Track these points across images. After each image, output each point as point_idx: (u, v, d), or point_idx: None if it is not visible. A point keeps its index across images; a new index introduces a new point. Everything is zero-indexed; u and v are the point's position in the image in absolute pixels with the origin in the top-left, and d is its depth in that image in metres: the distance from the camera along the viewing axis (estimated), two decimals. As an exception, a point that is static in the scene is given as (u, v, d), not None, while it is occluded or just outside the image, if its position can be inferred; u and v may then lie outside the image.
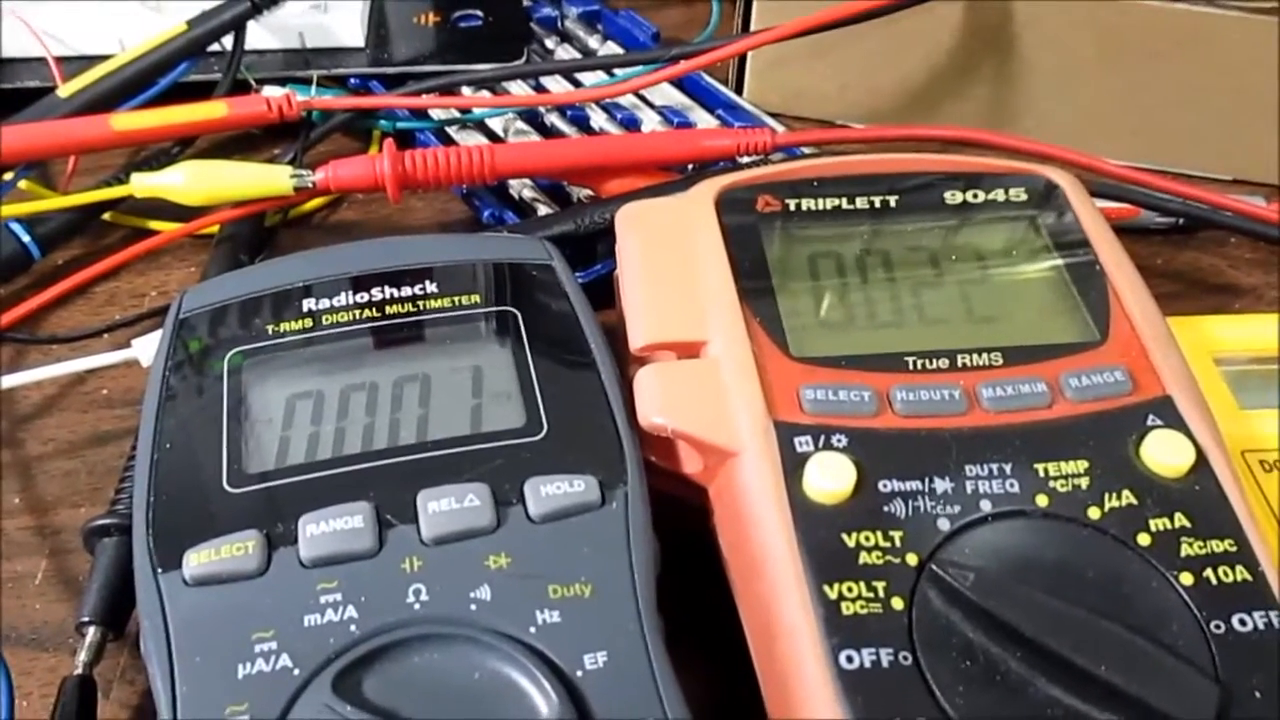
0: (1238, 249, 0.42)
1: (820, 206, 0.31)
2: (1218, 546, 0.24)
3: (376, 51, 0.47)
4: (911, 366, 0.27)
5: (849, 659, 0.23)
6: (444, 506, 0.25)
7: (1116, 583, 0.24)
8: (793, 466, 0.25)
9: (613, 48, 0.48)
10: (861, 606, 0.23)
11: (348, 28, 0.46)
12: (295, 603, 0.24)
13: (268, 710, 0.23)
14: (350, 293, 0.30)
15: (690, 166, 0.41)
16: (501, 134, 0.44)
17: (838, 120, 0.47)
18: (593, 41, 0.48)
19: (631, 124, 0.44)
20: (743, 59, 0.46)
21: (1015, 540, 0.25)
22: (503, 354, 0.29)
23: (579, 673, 0.23)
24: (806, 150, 0.42)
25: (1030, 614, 0.23)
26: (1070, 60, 0.43)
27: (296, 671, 0.23)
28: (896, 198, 0.32)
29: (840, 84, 0.46)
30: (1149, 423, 0.26)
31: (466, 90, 0.45)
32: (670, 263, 0.30)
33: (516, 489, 0.26)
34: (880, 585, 0.24)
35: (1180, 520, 0.25)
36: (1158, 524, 0.25)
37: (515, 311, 0.30)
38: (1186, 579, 0.24)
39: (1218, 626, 0.23)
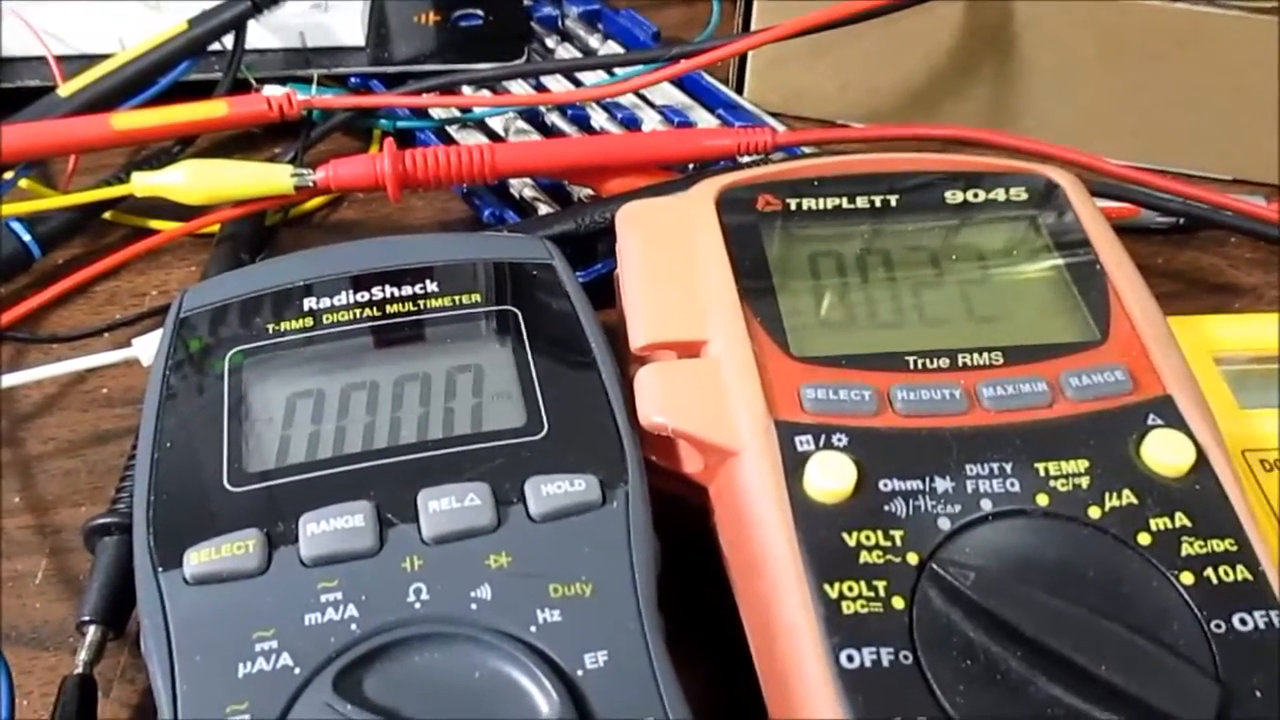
0: (1238, 249, 0.42)
1: (821, 206, 0.31)
2: (1218, 546, 0.24)
3: (377, 51, 0.47)
4: (912, 366, 0.27)
5: (849, 658, 0.23)
6: (444, 506, 0.25)
7: (1117, 582, 0.24)
8: (793, 466, 0.25)
9: (613, 47, 0.48)
10: (862, 606, 0.23)
11: (348, 27, 0.46)
12: (296, 602, 0.24)
13: (268, 709, 0.23)
14: (351, 292, 0.30)
15: (691, 166, 0.41)
16: (502, 133, 0.44)
17: (838, 120, 0.47)
18: (593, 41, 0.48)
19: (632, 123, 0.44)
20: (743, 58, 0.46)
21: (1016, 540, 0.25)
22: (503, 353, 0.29)
23: (579, 672, 0.23)
24: (807, 150, 0.42)
25: (1031, 613, 0.23)
26: (1071, 60, 0.43)
27: (297, 670, 0.23)
28: (897, 197, 0.32)
29: (840, 83, 0.46)
30: (1149, 422, 0.26)
31: (467, 89, 0.45)
32: (671, 262, 0.30)
33: (517, 488, 0.26)
34: (881, 584, 0.24)
35: (1181, 520, 0.25)
36: (1158, 523, 0.25)
37: (516, 311, 0.30)
38: (1187, 578, 0.24)
39: (1218, 626, 0.23)
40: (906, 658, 0.23)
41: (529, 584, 0.24)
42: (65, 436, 0.35)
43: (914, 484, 0.25)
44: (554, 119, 0.44)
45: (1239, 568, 0.24)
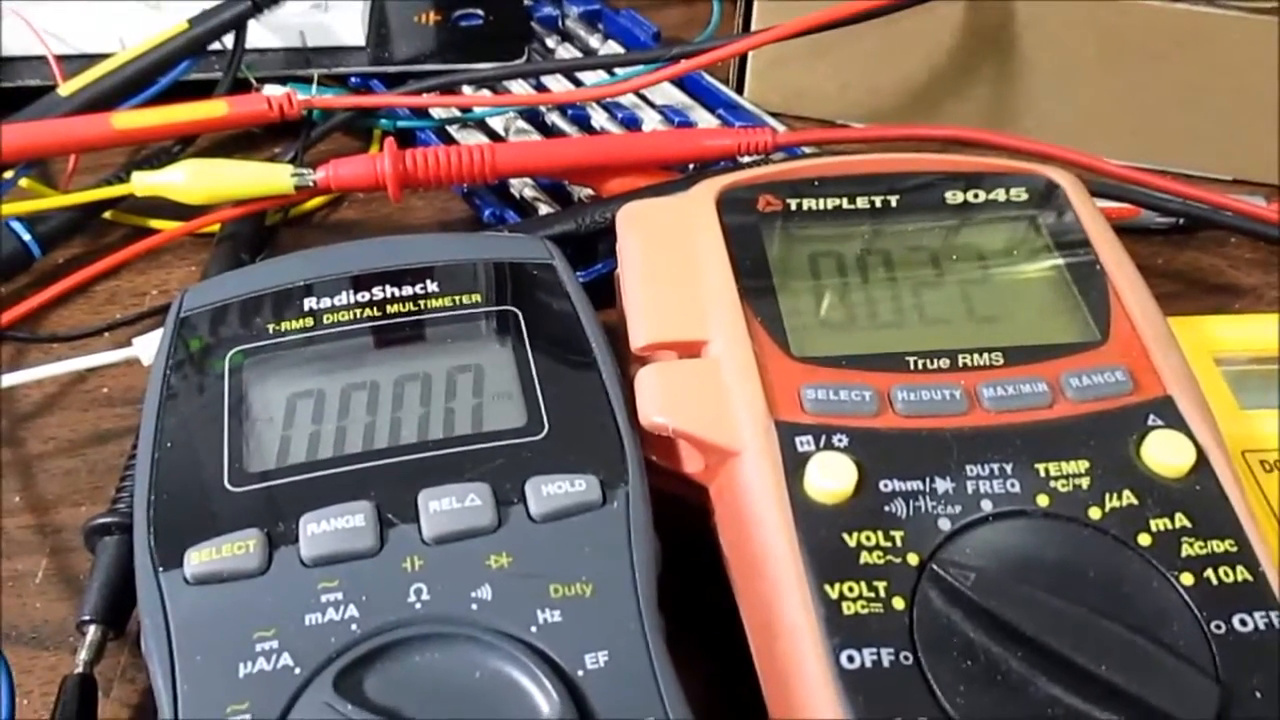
0: (1238, 249, 0.42)
1: (821, 206, 0.31)
2: (1218, 547, 0.24)
3: (377, 50, 0.47)
4: (912, 366, 0.27)
5: (850, 659, 0.23)
6: (445, 506, 0.25)
7: (1117, 582, 0.24)
8: (794, 466, 0.25)
9: (613, 47, 0.48)
10: (862, 606, 0.23)
11: (348, 27, 0.46)
12: (296, 602, 0.24)
13: (269, 709, 0.23)
14: (351, 292, 0.30)
15: (691, 166, 0.41)
16: (502, 133, 0.44)
17: (838, 120, 0.47)
18: (593, 41, 0.48)
19: (632, 123, 0.44)
20: (743, 58, 0.46)
21: (1016, 540, 0.25)
22: (504, 353, 0.29)
23: (580, 672, 0.23)
24: (807, 150, 0.42)
25: (1031, 614, 0.23)
26: (1071, 60, 0.43)
27: (298, 670, 0.23)
28: (897, 197, 0.32)
29: (841, 83, 0.46)
30: (1150, 423, 0.26)
31: (467, 89, 0.45)
32: (671, 262, 0.30)
33: (517, 488, 0.26)
34: (881, 585, 0.24)
35: (1181, 520, 0.25)
36: (1158, 524, 0.25)
37: (516, 311, 0.30)
38: (1187, 579, 0.24)
39: (1218, 626, 0.23)
40: (907, 658, 0.23)
41: (529, 584, 0.24)
42: (65, 436, 0.35)
43: (914, 484, 0.25)
44: (554, 119, 0.44)
45: (1239, 568, 0.24)
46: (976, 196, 0.32)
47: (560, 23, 0.49)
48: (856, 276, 0.30)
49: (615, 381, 0.28)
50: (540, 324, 0.30)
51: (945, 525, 0.25)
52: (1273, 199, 0.40)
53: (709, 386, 0.27)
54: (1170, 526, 0.25)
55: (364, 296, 0.30)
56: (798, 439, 0.26)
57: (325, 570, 0.25)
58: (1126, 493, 0.25)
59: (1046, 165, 0.33)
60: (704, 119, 0.45)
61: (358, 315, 0.30)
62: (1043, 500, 0.25)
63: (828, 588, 0.24)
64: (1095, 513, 0.25)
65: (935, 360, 0.27)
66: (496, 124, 0.44)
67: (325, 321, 0.30)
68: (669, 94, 0.45)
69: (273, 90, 0.40)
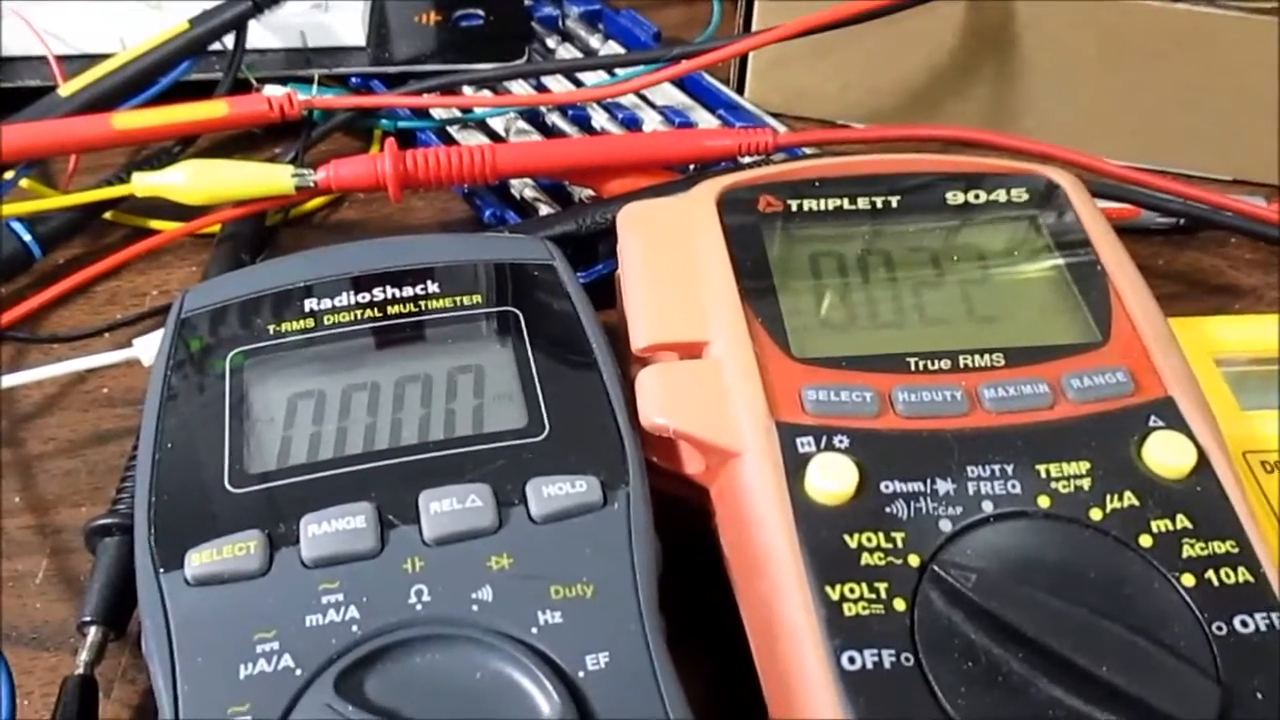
0: (1238, 249, 0.42)
1: (822, 207, 0.31)
2: (1219, 548, 0.24)
3: (378, 51, 0.47)
4: (913, 367, 0.27)
5: (851, 660, 0.23)
6: (446, 507, 0.25)
7: (1118, 584, 0.24)
8: (794, 467, 0.25)
9: (614, 47, 0.48)
10: (863, 607, 0.23)
11: (349, 27, 0.46)
12: (297, 603, 0.24)
13: (270, 710, 0.23)
14: (352, 293, 0.30)
15: (692, 167, 0.41)
16: (503, 133, 0.44)
17: (839, 120, 0.47)
18: (594, 41, 0.48)
19: (633, 124, 0.44)
20: (744, 59, 0.46)
21: (1017, 541, 0.25)
22: (504, 354, 0.29)
23: (581, 673, 0.23)
24: (808, 150, 0.42)
25: (1032, 615, 0.23)
26: (1071, 60, 0.43)
27: (298, 672, 0.23)
28: (898, 198, 0.32)
29: (841, 84, 0.46)
30: (1150, 424, 0.26)
31: (468, 90, 0.45)
32: (672, 263, 0.30)
33: (518, 489, 0.26)
34: (882, 586, 0.24)
35: (1182, 521, 0.25)
36: (1159, 525, 0.25)
37: (517, 312, 0.30)
38: (1188, 580, 0.24)
39: (1219, 628, 0.23)
40: (908, 659, 0.23)
41: (530, 585, 0.24)
42: (66, 437, 0.35)
43: (915, 486, 0.25)
44: (555, 119, 0.44)
45: (1240, 569, 0.24)
46: (977, 197, 0.32)
47: (561, 23, 0.49)
48: (857, 277, 0.30)
49: (616, 382, 0.28)
50: (541, 325, 0.30)
51: (946, 526, 0.25)
52: (1273, 199, 0.40)
53: (710, 387, 0.27)
54: (1171, 527, 0.25)
55: (365, 297, 0.30)
56: (798, 440, 0.26)
57: (326, 571, 0.25)
58: (1127, 494, 0.25)
59: (1047, 166, 0.33)
60: (705, 119, 0.45)
61: (358, 316, 0.30)
62: (1044, 501, 0.25)
63: (829, 589, 0.24)
64: (1096, 514, 0.25)
65: (936, 361, 0.27)
66: (497, 124, 0.44)
67: (326, 322, 0.30)
68: (669, 94, 0.45)
69: (273, 90, 0.40)
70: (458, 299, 0.30)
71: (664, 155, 0.40)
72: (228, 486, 0.26)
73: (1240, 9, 0.40)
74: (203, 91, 0.41)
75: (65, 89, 0.40)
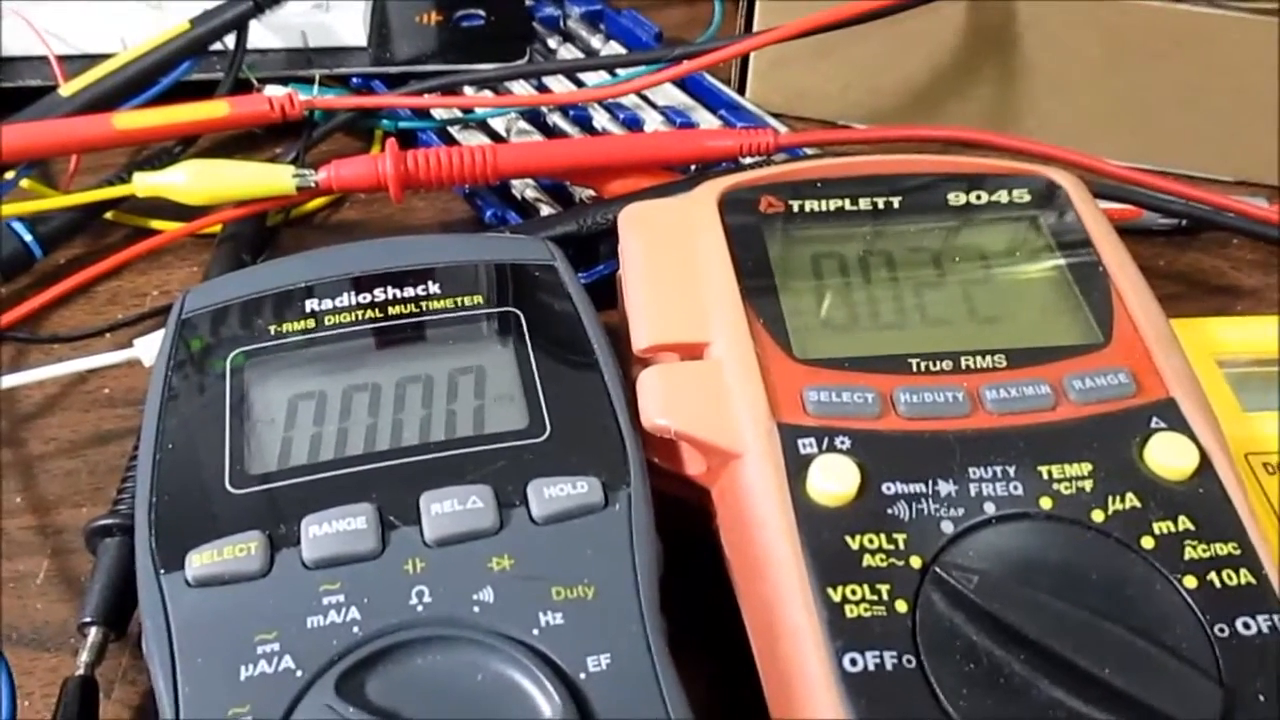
0: (1240, 250, 0.42)
1: (823, 208, 0.31)
2: (1221, 550, 0.24)
3: (379, 51, 0.47)
4: (915, 368, 0.27)
5: (853, 662, 0.23)
6: (447, 508, 0.25)
7: (1120, 585, 0.24)
8: (796, 468, 0.25)
9: (615, 47, 0.48)
10: (865, 609, 0.23)
11: (350, 27, 0.46)
12: (298, 604, 0.24)
13: (270, 711, 0.23)
14: (352, 293, 0.30)
15: (693, 167, 0.41)
16: (504, 134, 0.44)
17: (840, 121, 0.47)
18: (595, 41, 0.48)
19: (634, 124, 0.44)
20: (745, 59, 0.46)
21: (1019, 543, 0.25)
22: (505, 355, 0.29)
23: (582, 675, 0.23)
24: (809, 151, 0.42)
25: (1034, 616, 0.23)
26: (1072, 61, 0.43)
27: (299, 673, 0.23)
28: (899, 199, 0.32)
29: (843, 84, 0.46)
30: (1152, 425, 0.26)
31: (469, 90, 0.45)
32: (673, 264, 0.30)
33: (519, 490, 0.26)
34: (884, 588, 0.24)
35: (1184, 523, 0.25)
36: (1161, 527, 0.25)
37: (518, 312, 0.30)
38: (1190, 582, 0.24)
39: (1221, 630, 0.23)
40: (910, 661, 0.23)
41: (531, 586, 0.24)
42: (66, 437, 0.35)
43: (917, 487, 0.25)
44: (556, 120, 0.44)
45: (1242, 571, 0.24)
46: (979, 198, 0.32)
47: (562, 23, 0.49)
48: (859, 278, 0.30)
49: (617, 383, 0.28)
50: (542, 325, 0.30)
51: (948, 528, 0.25)
52: (1274, 200, 0.40)
53: (711, 388, 0.27)
54: (1173, 529, 0.25)
55: (365, 298, 0.30)
56: (800, 441, 0.26)
57: (327, 572, 0.25)
58: (1129, 495, 0.25)
59: (1048, 166, 0.33)
60: (706, 120, 0.44)
61: (359, 316, 0.30)
62: (1045, 503, 0.25)
63: (830, 590, 0.24)
64: (1098, 515, 0.25)
65: (938, 362, 0.27)
66: (498, 125, 0.44)
67: (327, 323, 0.30)
68: (671, 95, 0.45)
69: (274, 91, 0.40)
70: (459, 299, 0.30)
71: (665, 156, 0.40)
72: (228, 487, 0.26)
73: (1242, 9, 0.40)
74: (204, 91, 0.41)
75: (66, 89, 0.40)
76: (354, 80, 0.46)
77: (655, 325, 0.29)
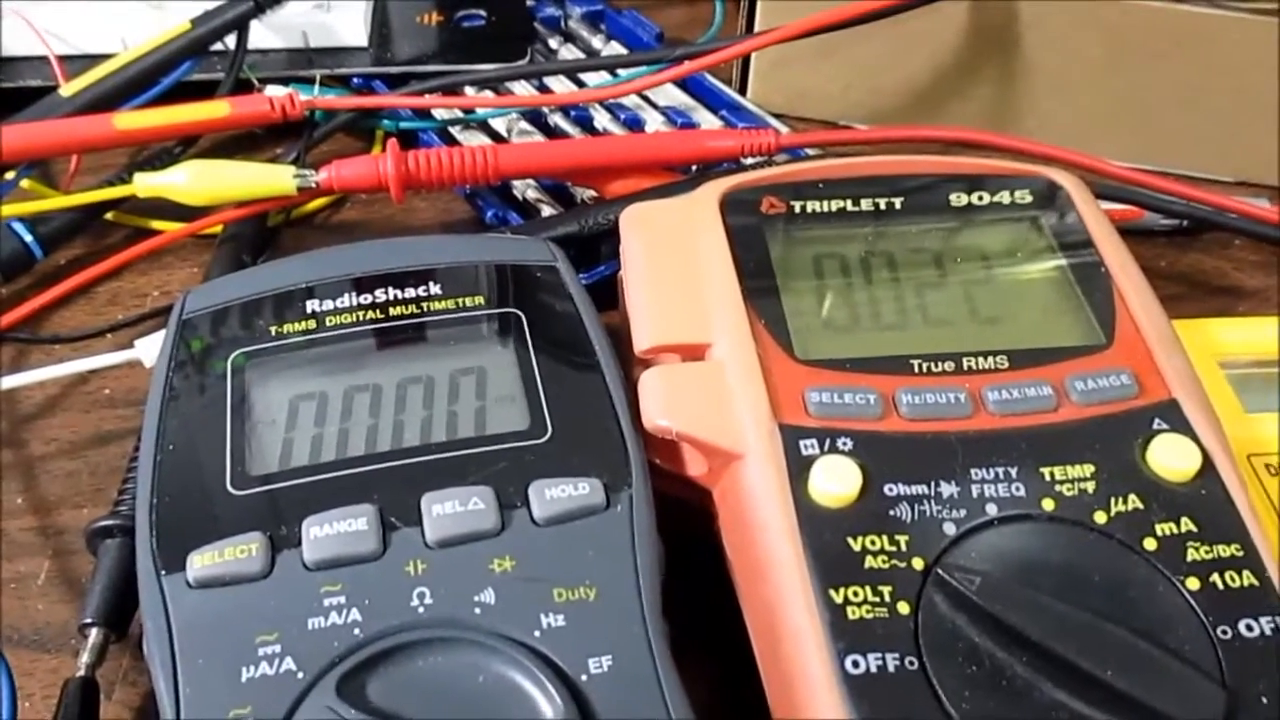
0: (1241, 251, 0.42)
1: (825, 208, 0.31)
2: (1224, 551, 0.24)
3: (379, 51, 0.46)
4: (917, 369, 0.27)
5: (855, 664, 0.23)
6: (448, 509, 0.25)
7: (1123, 587, 0.24)
8: (798, 470, 0.25)
9: (616, 48, 0.48)
10: (867, 611, 0.23)
11: (351, 27, 0.46)
12: (299, 605, 0.24)
13: (271, 713, 0.23)
14: (354, 294, 0.30)
15: (694, 168, 0.41)
16: (505, 134, 0.44)
17: (841, 121, 0.47)
18: (596, 41, 0.48)
19: (635, 124, 0.44)
20: (747, 59, 0.46)
21: (1021, 544, 0.25)
22: (507, 356, 0.29)
23: (584, 676, 0.23)
24: (811, 151, 0.42)
25: (1036, 618, 0.23)
26: (1074, 61, 0.43)
27: (300, 674, 0.23)
28: (901, 199, 0.32)
29: (844, 85, 0.46)
30: (1155, 426, 0.26)
31: (470, 90, 0.45)
32: (675, 264, 0.30)
33: (521, 492, 0.26)
34: (886, 589, 0.24)
35: (1186, 525, 0.25)
36: (1164, 528, 0.25)
37: (519, 313, 0.30)
38: (1193, 584, 0.24)
39: (1224, 632, 0.23)
40: (912, 663, 0.23)
41: (533, 588, 0.24)
42: (67, 438, 0.35)
43: (919, 488, 0.25)
44: (557, 120, 0.44)
45: (1245, 573, 0.24)
46: (980, 199, 0.32)
47: (563, 23, 0.49)
48: (860, 279, 0.30)
49: (618, 384, 0.28)
50: (543, 326, 0.30)
51: (950, 529, 0.25)
52: (1276, 201, 0.40)
53: (713, 389, 0.27)
54: (1176, 531, 0.25)
55: (366, 298, 0.30)
56: (802, 442, 0.26)
57: (328, 574, 0.25)
58: (1132, 497, 0.25)
59: (1050, 167, 0.33)
60: (707, 120, 0.44)
61: (360, 317, 0.30)
62: (1048, 504, 0.25)
63: (832, 592, 0.24)
64: (1101, 517, 0.25)
65: (940, 363, 0.27)
66: (499, 125, 0.44)
67: (328, 323, 0.30)
68: (672, 95, 0.45)
69: (275, 91, 0.40)
70: (460, 300, 0.30)
71: (666, 156, 0.39)
72: (229, 488, 0.26)
73: (1243, 10, 0.40)
74: (204, 92, 0.41)
75: (67, 89, 0.40)
76: (355, 80, 0.46)
77: (657, 326, 0.29)
